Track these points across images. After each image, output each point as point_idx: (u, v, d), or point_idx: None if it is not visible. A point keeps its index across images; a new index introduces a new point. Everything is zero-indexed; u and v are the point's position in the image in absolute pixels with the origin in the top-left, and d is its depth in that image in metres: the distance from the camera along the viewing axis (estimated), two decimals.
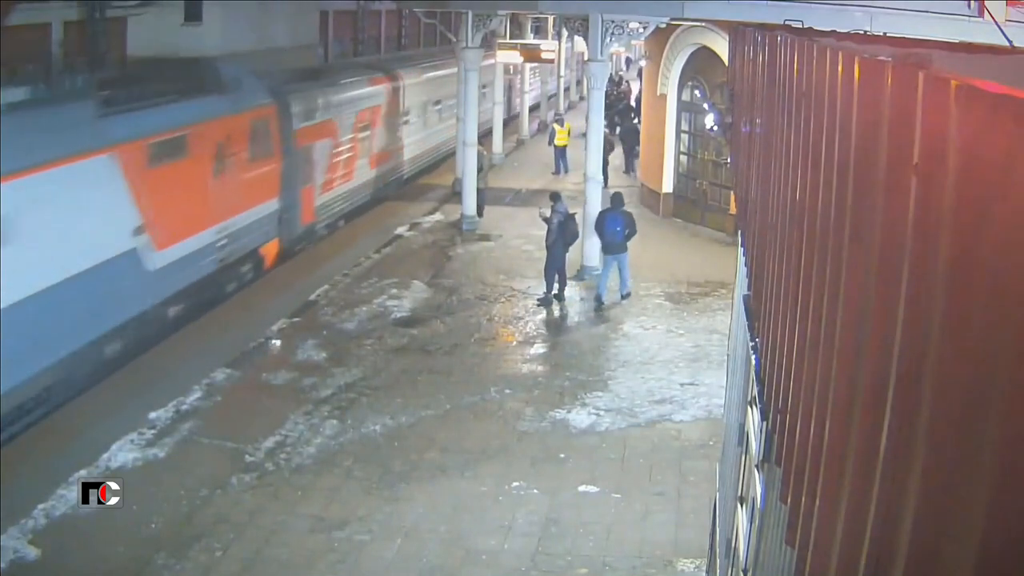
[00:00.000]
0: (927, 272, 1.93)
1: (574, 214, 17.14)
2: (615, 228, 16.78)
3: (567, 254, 17.00)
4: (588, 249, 18.11)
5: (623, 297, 17.09)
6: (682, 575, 9.28)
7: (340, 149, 20.69)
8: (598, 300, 16.93)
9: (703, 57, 21.39)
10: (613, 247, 16.86)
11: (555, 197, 17.41)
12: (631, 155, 28.52)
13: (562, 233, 16.80)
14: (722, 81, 18.19)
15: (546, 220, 16.98)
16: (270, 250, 17.55)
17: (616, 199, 17.47)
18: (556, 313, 16.74)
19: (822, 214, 3.30)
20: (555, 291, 16.93)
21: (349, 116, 21.18)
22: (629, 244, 16.98)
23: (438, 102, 28.24)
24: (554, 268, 16.85)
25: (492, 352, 15.10)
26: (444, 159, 28.88)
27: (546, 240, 16.91)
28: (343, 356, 14.30)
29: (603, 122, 19.48)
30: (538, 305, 16.79)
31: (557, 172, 28.69)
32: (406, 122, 25.40)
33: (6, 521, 9.31)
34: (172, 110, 14.40)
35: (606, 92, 20.99)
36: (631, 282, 17.22)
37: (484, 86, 30.54)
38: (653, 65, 23.50)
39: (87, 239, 12.15)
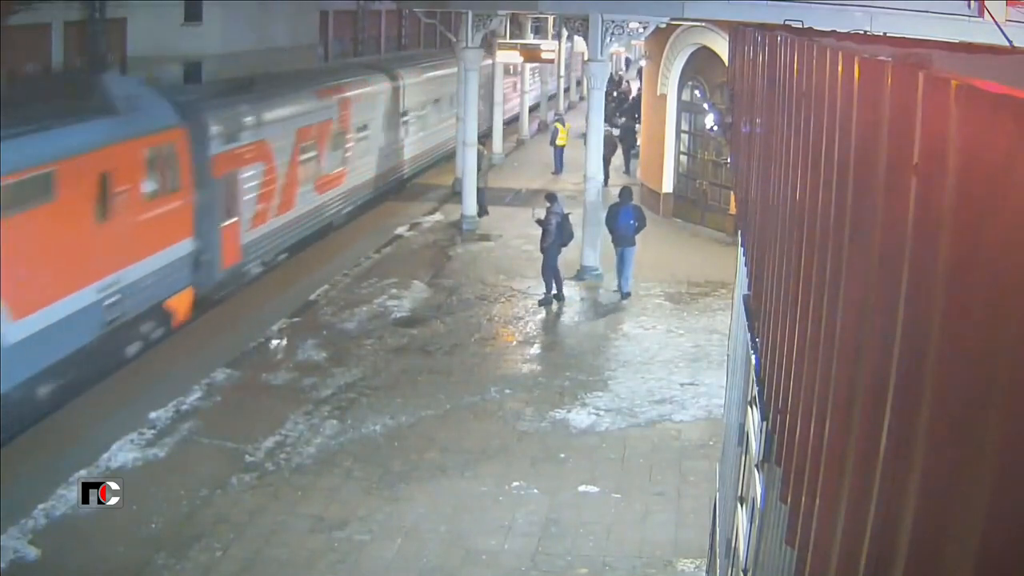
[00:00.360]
0: (927, 272, 1.93)
1: (568, 214, 17.17)
2: (628, 221, 17.17)
3: (560, 255, 17.03)
4: (587, 249, 18.12)
5: (623, 297, 17.14)
6: (682, 575, 9.28)
7: (275, 175, 17.62)
8: (624, 295, 17.18)
9: (703, 57, 21.39)
10: (626, 240, 17.19)
11: (551, 198, 17.40)
12: (629, 154, 28.65)
13: (560, 234, 16.83)
14: (722, 81, 18.21)
15: (540, 223, 16.97)
16: (182, 301, 14.69)
17: (625, 193, 17.77)
18: (556, 313, 16.74)
19: (822, 214, 3.30)
20: (554, 291, 16.94)
21: (287, 135, 18.09)
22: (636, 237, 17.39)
23: (406, 113, 25.33)
24: (552, 268, 16.85)
25: (492, 352, 15.10)
26: (418, 174, 27.19)
27: (543, 241, 16.87)
28: (343, 356, 14.31)
29: (603, 122, 19.47)
30: (539, 305, 16.79)
31: (557, 172, 28.71)
32: (363, 137, 22.38)
33: (6, 521, 9.31)
34: (33, 142, 11.47)
35: (609, 92, 20.98)
36: (632, 282, 17.28)
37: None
38: (653, 65, 23.50)
39: None
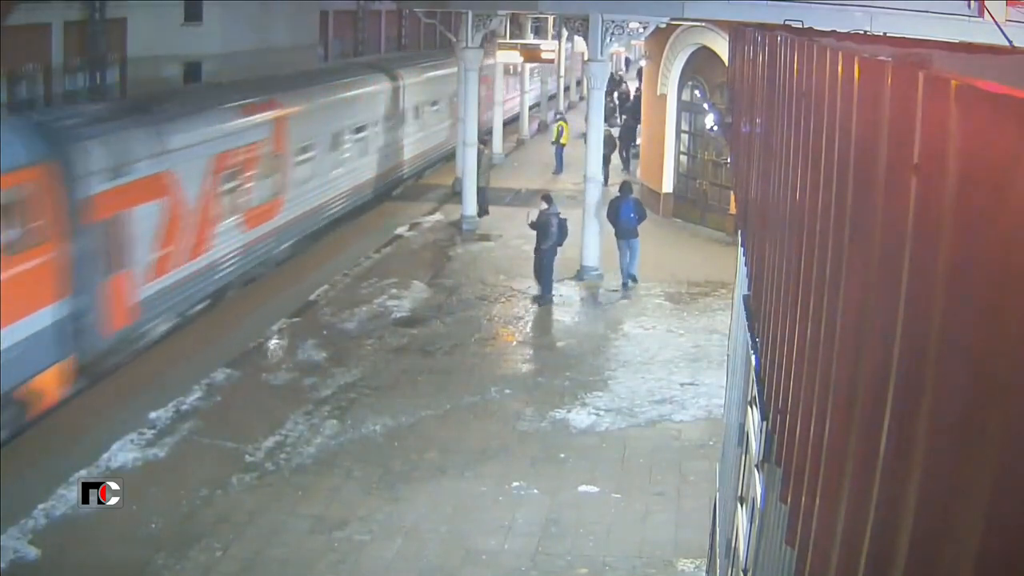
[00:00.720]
0: (927, 272, 1.93)
1: (558, 213, 17.17)
2: (629, 215, 17.60)
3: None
4: (587, 249, 18.13)
5: (632, 280, 17.45)
6: (682, 575, 9.28)
7: (183, 212, 14.53)
8: (632, 280, 17.59)
9: (703, 57, 21.40)
10: (628, 232, 17.57)
11: (549, 199, 17.34)
12: (628, 153, 28.81)
13: (560, 234, 16.83)
14: (722, 81, 18.23)
15: (533, 226, 16.86)
16: (52, 380, 11.74)
17: (625, 187, 18.29)
18: (556, 313, 16.73)
19: (822, 214, 3.30)
20: (551, 291, 16.88)
21: (199, 163, 15.07)
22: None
23: (362, 128, 22.23)
24: (550, 269, 16.81)
25: (492, 352, 15.10)
26: (374, 198, 23.62)
27: (545, 242, 16.76)
28: (343, 356, 14.30)
29: (603, 122, 19.47)
30: (539, 306, 16.77)
31: (558, 171, 28.66)
32: (308, 159, 19.19)
33: (6, 521, 9.31)
34: None
35: (610, 91, 20.92)
36: (638, 270, 17.60)
37: (436, 102, 27.29)
38: (653, 65, 23.50)
39: None
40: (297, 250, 19.19)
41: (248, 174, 16.62)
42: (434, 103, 27.30)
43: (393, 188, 25.10)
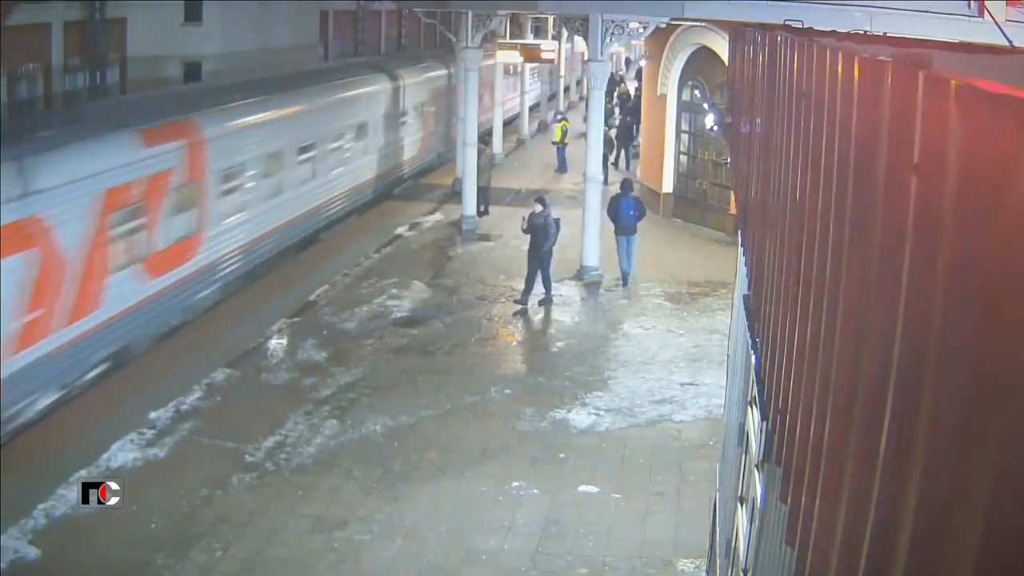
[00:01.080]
0: (927, 272, 1.93)
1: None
2: (629, 212, 17.81)
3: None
4: (587, 249, 18.14)
5: (625, 281, 17.60)
6: (682, 575, 9.28)
7: (60, 264, 11.81)
8: (624, 277, 17.80)
9: (703, 57, 21.40)
10: (627, 229, 17.77)
11: (543, 202, 17.28)
12: (628, 152, 28.89)
13: (557, 235, 16.84)
14: (722, 81, 18.24)
15: (526, 230, 16.76)
16: None
17: (626, 185, 18.50)
18: (556, 313, 16.73)
19: (822, 214, 3.30)
20: (543, 290, 16.83)
21: (80, 203, 12.15)
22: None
23: (309, 147, 19.15)
24: (548, 268, 16.79)
25: (492, 352, 15.10)
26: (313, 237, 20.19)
27: (545, 243, 16.68)
28: (343, 356, 14.31)
29: (603, 122, 19.50)
30: (539, 305, 16.76)
31: (561, 171, 28.61)
32: (233, 187, 16.20)
33: (6, 521, 9.31)
34: None
35: (610, 91, 20.92)
36: (635, 270, 17.73)
37: (404, 114, 24.97)
38: (653, 65, 23.51)
39: None
40: (231, 291, 16.43)
41: (151, 211, 13.75)
42: (402, 114, 25.02)
43: (357, 212, 22.58)
